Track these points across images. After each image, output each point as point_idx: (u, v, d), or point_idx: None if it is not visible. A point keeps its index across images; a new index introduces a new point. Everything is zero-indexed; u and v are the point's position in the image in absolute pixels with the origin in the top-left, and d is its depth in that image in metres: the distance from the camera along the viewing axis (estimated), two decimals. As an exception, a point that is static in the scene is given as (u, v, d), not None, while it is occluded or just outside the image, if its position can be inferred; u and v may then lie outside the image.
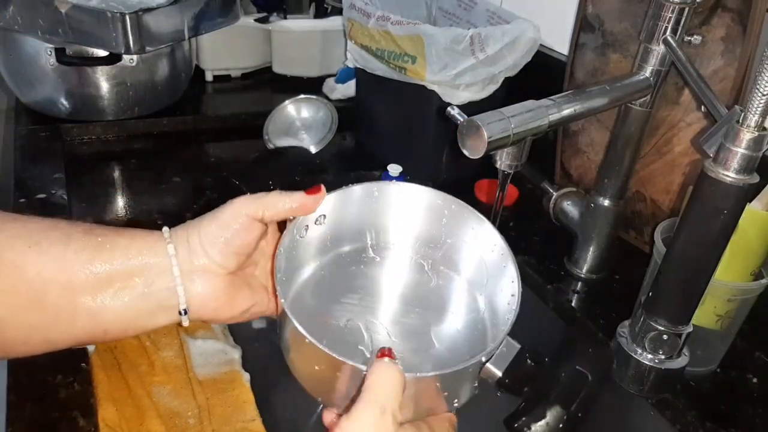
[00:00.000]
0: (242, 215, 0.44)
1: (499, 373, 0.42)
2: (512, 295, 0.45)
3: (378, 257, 0.52)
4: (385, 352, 0.38)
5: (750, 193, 0.47)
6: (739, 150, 0.45)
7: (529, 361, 0.44)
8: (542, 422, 0.53)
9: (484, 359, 0.42)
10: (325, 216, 0.48)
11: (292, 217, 0.46)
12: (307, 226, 0.47)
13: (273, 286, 0.46)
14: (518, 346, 0.44)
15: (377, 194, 0.50)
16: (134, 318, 0.44)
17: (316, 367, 0.40)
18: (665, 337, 0.54)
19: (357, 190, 0.49)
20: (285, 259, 0.44)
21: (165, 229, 0.45)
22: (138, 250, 0.43)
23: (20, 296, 0.41)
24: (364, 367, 0.38)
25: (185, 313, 0.44)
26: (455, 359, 0.46)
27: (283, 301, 0.41)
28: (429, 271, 0.52)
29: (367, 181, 0.50)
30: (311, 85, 1.14)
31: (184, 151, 0.97)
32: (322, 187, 0.46)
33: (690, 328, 0.54)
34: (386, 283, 0.52)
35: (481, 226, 0.49)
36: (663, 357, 0.56)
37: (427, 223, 0.51)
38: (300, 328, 0.39)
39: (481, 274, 0.50)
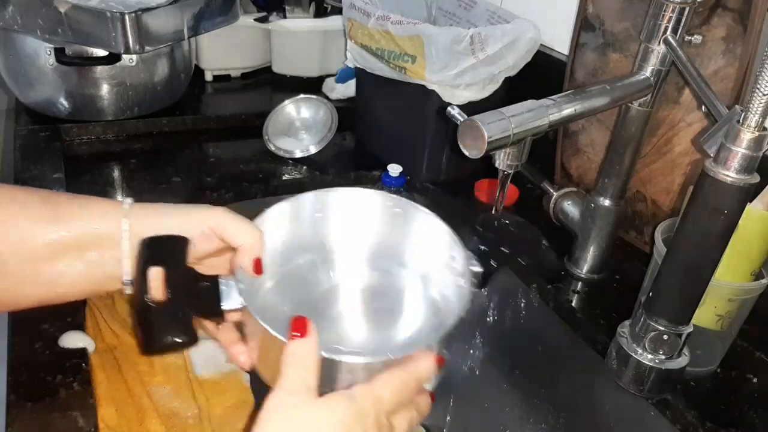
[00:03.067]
0: (205, 226, 0.45)
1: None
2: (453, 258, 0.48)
3: (327, 269, 0.54)
4: (293, 331, 0.40)
5: (750, 193, 0.47)
6: (740, 150, 0.45)
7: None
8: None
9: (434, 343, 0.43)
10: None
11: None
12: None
13: None
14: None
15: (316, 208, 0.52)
16: (87, 283, 0.45)
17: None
18: (665, 337, 0.54)
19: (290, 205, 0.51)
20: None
21: (127, 201, 0.46)
22: (94, 219, 0.44)
23: None
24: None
25: (131, 284, 0.45)
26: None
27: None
28: (380, 272, 0.54)
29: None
30: (311, 85, 1.14)
31: (184, 151, 0.97)
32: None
33: (690, 328, 0.54)
34: (341, 293, 0.53)
35: (425, 219, 0.51)
36: (663, 357, 0.55)
37: (374, 225, 0.53)
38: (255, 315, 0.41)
39: (428, 261, 0.52)
